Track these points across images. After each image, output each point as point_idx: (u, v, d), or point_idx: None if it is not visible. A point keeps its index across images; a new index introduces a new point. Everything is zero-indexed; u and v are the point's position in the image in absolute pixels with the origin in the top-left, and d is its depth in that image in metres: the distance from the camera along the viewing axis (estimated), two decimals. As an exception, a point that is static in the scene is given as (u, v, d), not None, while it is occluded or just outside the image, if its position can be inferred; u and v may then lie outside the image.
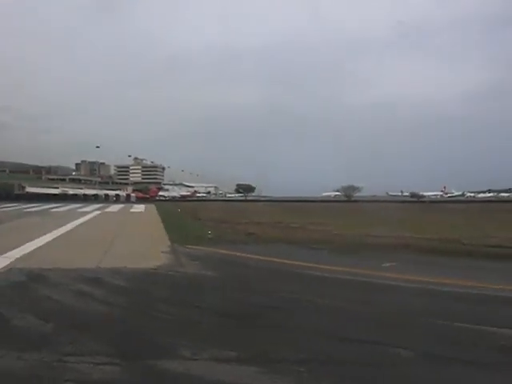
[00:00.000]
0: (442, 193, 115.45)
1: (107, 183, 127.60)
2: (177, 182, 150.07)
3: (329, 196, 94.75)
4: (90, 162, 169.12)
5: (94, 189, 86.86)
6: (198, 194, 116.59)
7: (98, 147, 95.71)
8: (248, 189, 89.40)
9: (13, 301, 6.89)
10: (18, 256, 11.15)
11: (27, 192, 70.46)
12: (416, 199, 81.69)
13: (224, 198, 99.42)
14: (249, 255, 12.12)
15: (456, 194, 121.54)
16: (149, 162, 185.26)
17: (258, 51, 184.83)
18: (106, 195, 71.13)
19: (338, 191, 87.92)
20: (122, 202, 58.64)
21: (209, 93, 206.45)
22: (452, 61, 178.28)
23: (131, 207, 41.10)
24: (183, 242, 14.45)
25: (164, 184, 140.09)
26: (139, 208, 40.27)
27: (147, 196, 76.27)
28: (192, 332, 5.60)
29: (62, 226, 19.73)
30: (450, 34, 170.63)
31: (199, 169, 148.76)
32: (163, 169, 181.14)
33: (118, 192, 75.77)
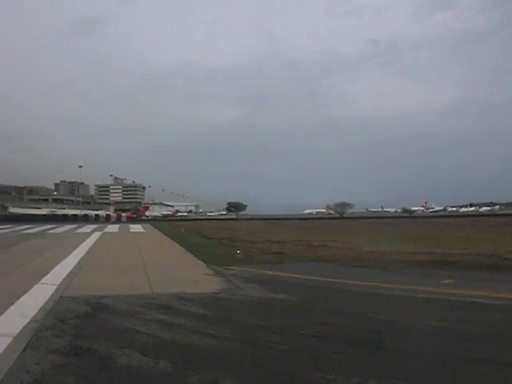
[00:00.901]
0: (423, 208, 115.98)
1: (89, 203, 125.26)
2: (156, 202, 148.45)
3: (311, 213, 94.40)
4: (69, 182, 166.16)
5: (78, 209, 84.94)
6: (180, 214, 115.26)
7: (80, 167, 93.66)
8: (239, 207, 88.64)
9: (98, 335, 6.13)
10: (57, 282, 10.34)
11: (10, 213, 68.29)
12: (408, 214, 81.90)
13: (209, 217, 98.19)
14: (300, 275, 11.54)
15: (437, 208, 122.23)
16: (129, 182, 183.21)
17: (236, 69, 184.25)
18: (97, 215, 69.55)
19: (331, 208, 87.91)
20: (113, 222, 57.33)
21: (189, 111, 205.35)
22: (429, 77, 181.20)
23: (129, 228, 40.00)
24: (217, 262, 13.81)
25: (145, 203, 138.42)
26: (138, 228, 39.18)
27: (134, 216, 75.03)
28: (329, 363, 5.01)
29: (75, 247, 18.87)
30: (427, 51, 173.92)
31: (179, 188, 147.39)
32: (143, 188, 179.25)
33: (108, 212, 74.30)
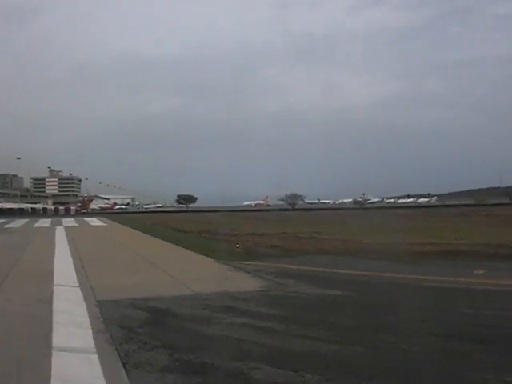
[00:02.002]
0: (361, 199, 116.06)
1: (26, 196, 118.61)
2: (92, 194, 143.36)
3: (250, 204, 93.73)
4: (1, 175, 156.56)
5: (15, 202, 79.99)
6: (117, 206, 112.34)
7: (18, 158, 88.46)
8: (189, 199, 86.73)
9: (194, 346, 5.26)
10: (73, 283, 9.25)
11: None
12: (359, 206, 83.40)
13: (148, 210, 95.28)
14: (328, 269, 11.06)
15: (374, 200, 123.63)
16: (66, 174, 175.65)
17: (170, 61, 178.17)
18: (44, 208, 65.71)
19: (282, 200, 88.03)
20: (63, 216, 54.19)
21: (126, 102, 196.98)
22: (365, 71, 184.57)
23: (86, 221, 37.80)
24: (223, 257, 12.98)
25: (84, 196, 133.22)
26: (96, 221, 37.05)
27: (79, 209, 71.64)
28: (486, 364, 4.62)
29: (52, 243, 17.45)
30: (361, 45, 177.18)
31: (116, 180, 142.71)
32: (80, 181, 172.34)
33: (57, 206, 70.43)
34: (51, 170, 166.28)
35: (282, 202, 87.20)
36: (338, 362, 4.76)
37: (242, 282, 9.51)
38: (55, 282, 9.38)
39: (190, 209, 76.93)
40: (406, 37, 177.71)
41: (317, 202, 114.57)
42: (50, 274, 10.23)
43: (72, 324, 6.20)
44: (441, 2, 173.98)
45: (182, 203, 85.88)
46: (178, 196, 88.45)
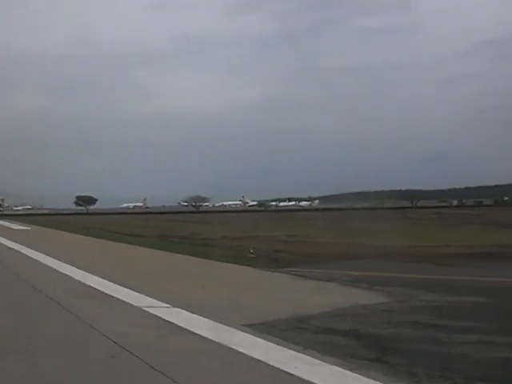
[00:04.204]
0: (240, 202, 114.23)
1: None
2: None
3: (128, 207, 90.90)
4: None
5: None
6: None
7: None
8: (89, 201, 79.77)
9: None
10: (157, 304, 7.32)
11: None
12: (264, 208, 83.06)
13: (20, 213, 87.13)
14: (407, 275, 10.28)
15: (251, 203, 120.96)
16: None
17: (38, 57, 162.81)
18: None
19: (186, 202, 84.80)
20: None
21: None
22: (238, 75, 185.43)
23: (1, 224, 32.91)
24: (253, 265, 11.86)
25: None
26: (15, 225, 32.26)
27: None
28: None
29: (17, 251, 14.75)
30: (236, 50, 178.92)
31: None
32: None
33: None
34: None
35: (185, 204, 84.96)
36: None
37: (346, 293, 8.46)
38: (130, 302, 7.40)
39: (90, 211, 71.45)
40: (277, 43, 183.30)
41: (186, 204, 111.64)
42: (100, 293, 8.19)
43: (291, 361, 4.64)
44: (313, 12, 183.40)
45: (81, 205, 79.32)
46: (77, 197, 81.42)
